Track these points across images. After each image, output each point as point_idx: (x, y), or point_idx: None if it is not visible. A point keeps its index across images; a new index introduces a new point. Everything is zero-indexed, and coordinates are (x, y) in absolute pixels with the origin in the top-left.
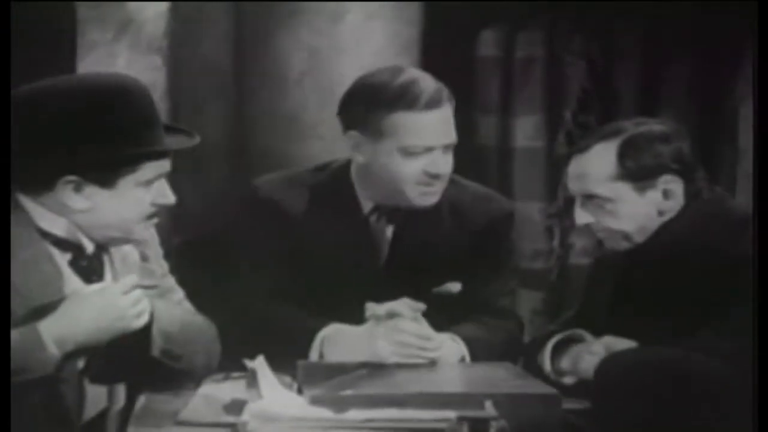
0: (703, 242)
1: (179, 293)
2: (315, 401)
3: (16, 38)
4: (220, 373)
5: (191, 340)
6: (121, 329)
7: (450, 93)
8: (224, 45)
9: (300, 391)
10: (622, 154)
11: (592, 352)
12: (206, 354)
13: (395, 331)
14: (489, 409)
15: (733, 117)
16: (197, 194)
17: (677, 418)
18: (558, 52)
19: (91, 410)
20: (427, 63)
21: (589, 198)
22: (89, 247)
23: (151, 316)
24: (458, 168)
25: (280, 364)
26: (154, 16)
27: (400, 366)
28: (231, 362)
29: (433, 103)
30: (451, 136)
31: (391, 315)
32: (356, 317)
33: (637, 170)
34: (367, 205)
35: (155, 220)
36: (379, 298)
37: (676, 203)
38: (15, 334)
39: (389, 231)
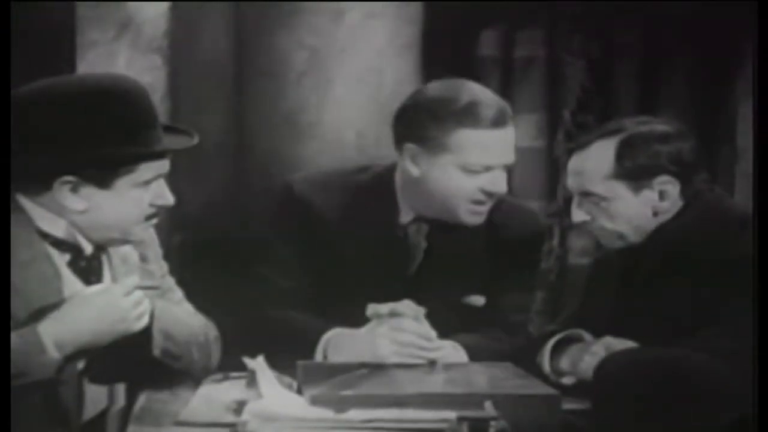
0: (702, 242)
1: (178, 293)
2: (315, 401)
3: (15, 37)
4: (220, 373)
5: (191, 340)
6: (122, 331)
7: (511, 111)
8: (224, 44)
9: (300, 391)
10: (620, 153)
11: (591, 353)
12: (206, 354)
13: (396, 331)
14: (489, 409)
15: (732, 117)
16: (196, 194)
17: (677, 418)
18: (558, 52)
19: (90, 410)
20: (427, 63)
21: (586, 196)
22: (88, 249)
23: (152, 315)
24: None
25: (281, 364)
26: (154, 16)
27: (400, 366)
28: (231, 362)
29: (499, 122)
30: (511, 157)
31: (393, 315)
32: None
33: (633, 170)
34: (407, 215)
35: (154, 221)
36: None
37: (671, 204)
38: (15, 337)
39: (424, 241)
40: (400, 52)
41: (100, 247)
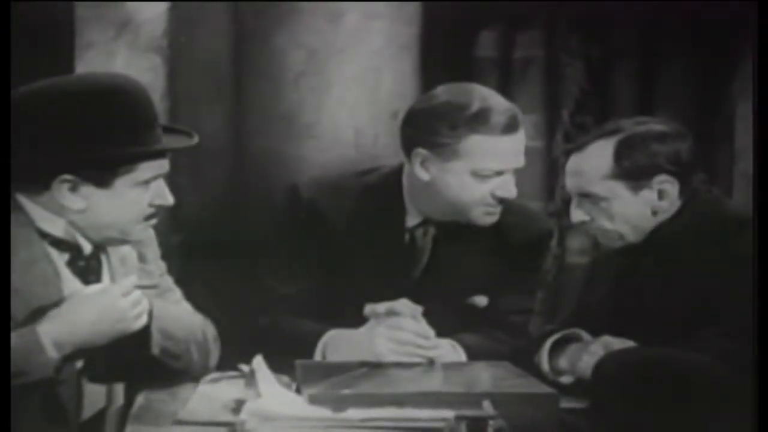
0: (699, 243)
1: (177, 293)
2: (313, 400)
3: (15, 37)
4: (219, 372)
5: (190, 339)
6: (120, 331)
7: (522, 116)
8: (222, 45)
9: (298, 390)
10: (619, 153)
11: (589, 352)
12: (205, 353)
13: (394, 329)
14: (487, 408)
15: (730, 117)
16: (195, 194)
17: (675, 418)
18: (556, 53)
19: (89, 409)
20: (426, 63)
21: (585, 196)
22: (87, 248)
23: (150, 315)
24: None
25: (279, 364)
26: (152, 16)
27: (398, 365)
28: (230, 362)
29: (510, 128)
30: (521, 161)
31: (390, 313)
32: None
33: (632, 169)
34: (414, 218)
35: (153, 221)
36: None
37: (670, 203)
38: (14, 337)
39: (430, 243)
40: (398, 53)
41: (99, 247)
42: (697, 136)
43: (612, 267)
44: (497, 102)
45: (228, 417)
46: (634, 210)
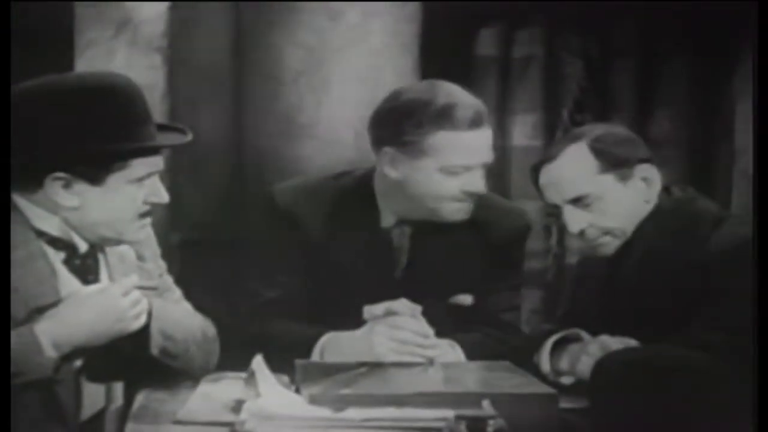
0: (675, 241)
1: (177, 292)
2: (313, 400)
3: (14, 37)
4: (218, 372)
5: (190, 339)
6: (119, 330)
7: (487, 111)
8: (222, 44)
9: (298, 390)
10: (597, 150)
11: (588, 353)
12: (204, 353)
13: (393, 329)
14: (487, 408)
15: (730, 116)
16: (194, 193)
17: (674, 417)
18: (556, 52)
19: (89, 409)
20: (425, 62)
21: (576, 201)
22: (82, 247)
23: (150, 315)
24: None
25: (279, 364)
26: (152, 16)
27: (398, 365)
28: (229, 361)
29: (476, 123)
30: (489, 155)
31: (389, 314)
32: None
33: (615, 161)
34: (389, 219)
35: (149, 220)
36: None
37: (656, 190)
38: (12, 336)
39: (408, 244)
40: (398, 52)
41: (96, 246)
42: (697, 134)
43: (600, 265)
44: (462, 97)
45: (228, 417)
46: (628, 200)
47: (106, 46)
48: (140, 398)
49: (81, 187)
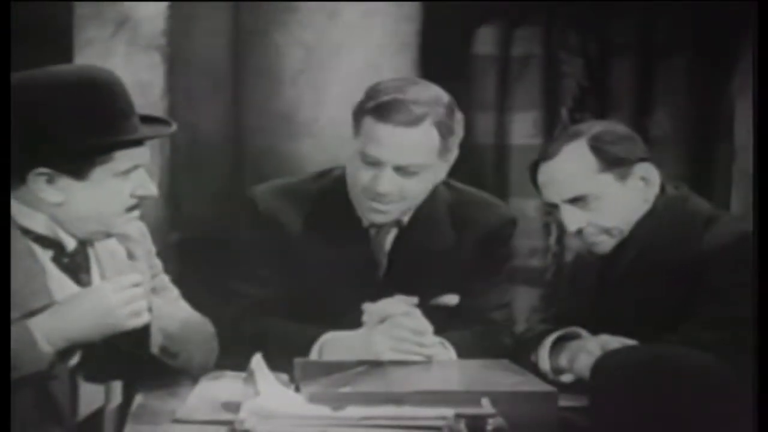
0: (669, 239)
1: (174, 291)
2: (313, 399)
3: (13, 35)
4: (217, 371)
5: (188, 337)
6: (112, 326)
7: (443, 120)
8: (221, 42)
9: (297, 389)
10: (595, 148)
11: (588, 351)
12: (203, 352)
13: (392, 327)
14: (486, 406)
15: (729, 115)
16: (193, 191)
17: (674, 415)
18: (555, 50)
19: (86, 408)
20: (424, 60)
21: (575, 201)
22: (70, 244)
23: (150, 313)
24: (456, 165)
25: (278, 363)
26: (151, 14)
27: (397, 363)
28: (228, 360)
29: (405, 122)
30: (406, 159)
31: (387, 312)
32: (356, 328)
33: (613, 159)
34: (365, 218)
35: (137, 213)
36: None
37: (655, 189)
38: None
39: (389, 241)
40: (397, 50)
41: (84, 243)
42: (696, 133)
43: (593, 264)
44: (412, 95)
45: (227, 415)
46: (627, 200)
47: (105, 45)
48: (139, 397)
49: (65, 182)
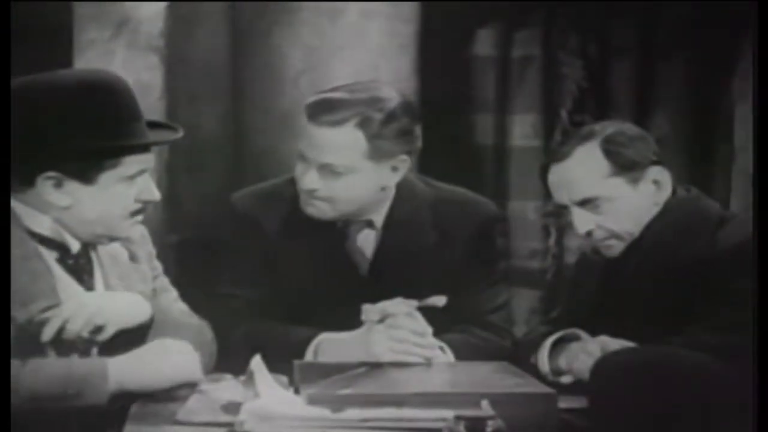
0: (679, 241)
1: (173, 293)
2: (312, 400)
3: (13, 36)
4: (217, 373)
5: (191, 340)
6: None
7: (372, 123)
8: (221, 43)
9: (297, 391)
10: (607, 151)
11: (587, 352)
12: (203, 354)
13: (391, 328)
14: (486, 408)
15: (729, 116)
16: (193, 193)
17: (674, 417)
18: (554, 51)
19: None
20: (424, 62)
21: (585, 203)
22: (74, 247)
23: (152, 318)
24: (455, 167)
25: (277, 365)
26: (151, 15)
27: (397, 365)
28: (227, 363)
29: (330, 122)
30: (329, 158)
31: (387, 314)
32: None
33: (625, 163)
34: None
35: (140, 217)
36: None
37: (667, 193)
38: (79, 362)
39: (371, 242)
40: (396, 51)
41: (88, 245)
42: (696, 134)
43: (597, 266)
44: (349, 97)
45: (227, 417)
46: (638, 204)
47: (105, 46)
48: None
49: (73, 186)
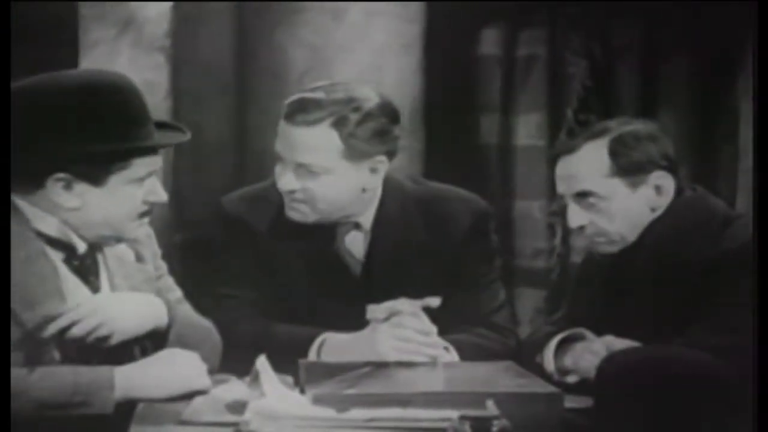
0: (685, 241)
1: (177, 293)
2: (317, 400)
3: (18, 36)
4: (222, 374)
5: (193, 340)
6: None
7: (348, 123)
8: (225, 43)
9: (302, 390)
10: (614, 151)
11: (592, 351)
12: (208, 354)
13: (396, 328)
14: (491, 408)
15: (734, 115)
16: (197, 193)
17: (678, 416)
18: (559, 51)
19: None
20: (428, 62)
21: (582, 196)
22: (81, 247)
23: (171, 318)
24: (460, 166)
25: (282, 365)
26: (155, 15)
27: (402, 365)
28: (232, 362)
29: (305, 122)
30: (304, 158)
31: (392, 313)
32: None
33: (629, 166)
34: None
35: (147, 219)
36: (357, 312)
37: (667, 199)
38: (86, 370)
39: (359, 243)
40: (401, 51)
41: (94, 246)
42: (700, 133)
43: (601, 267)
44: (321, 97)
45: (232, 417)
46: (633, 207)
47: (110, 46)
48: None
49: (82, 187)
